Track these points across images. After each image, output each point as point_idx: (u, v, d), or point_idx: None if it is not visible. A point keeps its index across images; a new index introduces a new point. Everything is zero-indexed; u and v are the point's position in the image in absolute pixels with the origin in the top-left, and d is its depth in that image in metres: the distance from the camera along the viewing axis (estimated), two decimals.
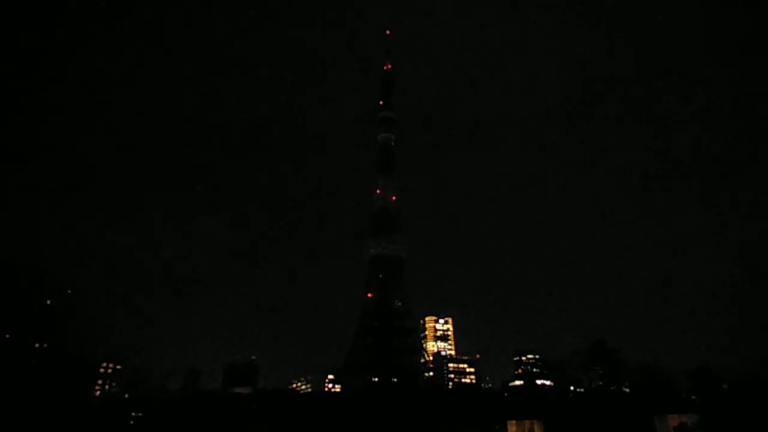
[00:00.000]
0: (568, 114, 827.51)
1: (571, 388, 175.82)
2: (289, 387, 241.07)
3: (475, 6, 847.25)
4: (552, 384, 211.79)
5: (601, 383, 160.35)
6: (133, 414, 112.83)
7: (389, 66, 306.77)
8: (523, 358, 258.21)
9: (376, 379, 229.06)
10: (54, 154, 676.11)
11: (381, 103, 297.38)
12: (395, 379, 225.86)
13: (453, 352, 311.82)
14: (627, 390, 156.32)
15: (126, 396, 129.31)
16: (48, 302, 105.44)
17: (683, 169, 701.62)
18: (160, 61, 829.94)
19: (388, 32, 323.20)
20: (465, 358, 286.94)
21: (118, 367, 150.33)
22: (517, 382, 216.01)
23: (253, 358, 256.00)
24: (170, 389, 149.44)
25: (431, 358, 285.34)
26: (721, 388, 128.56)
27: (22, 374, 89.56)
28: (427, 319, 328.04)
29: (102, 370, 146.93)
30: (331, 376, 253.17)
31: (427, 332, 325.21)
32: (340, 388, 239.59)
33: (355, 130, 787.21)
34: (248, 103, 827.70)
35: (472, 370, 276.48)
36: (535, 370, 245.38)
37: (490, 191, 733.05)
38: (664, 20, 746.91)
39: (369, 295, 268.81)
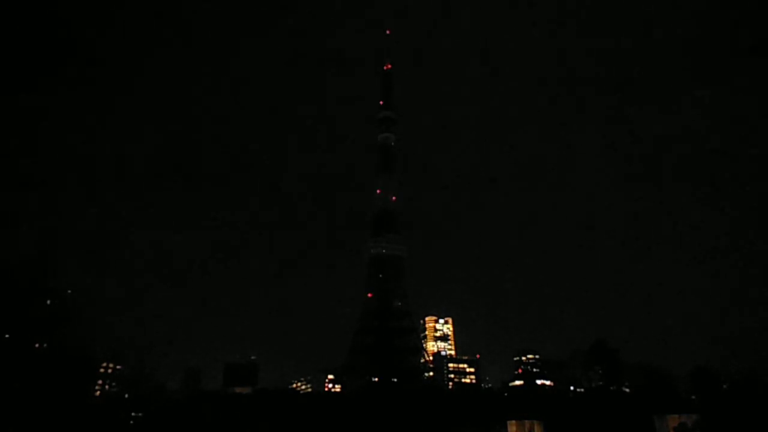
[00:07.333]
0: (570, 113, 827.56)
1: (571, 388, 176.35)
2: (289, 387, 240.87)
3: (477, 4, 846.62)
4: (552, 384, 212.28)
5: (601, 383, 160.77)
6: (133, 414, 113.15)
7: (389, 66, 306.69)
8: (523, 358, 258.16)
9: (376, 379, 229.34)
10: (54, 153, 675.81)
11: (381, 102, 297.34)
12: (395, 379, 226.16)
13: (453, 352, 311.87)
14: (627, 390, 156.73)
15: (126, 396, 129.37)
16: (48, 302, 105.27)
17: (683, 170, 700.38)
18: (158, 57, 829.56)
19: (388, 32, 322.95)
20: (465, 358, 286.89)
21: (118, 367, 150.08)
22: (517, 382, 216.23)
23: (253, 358, 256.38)
24: (170, 389, 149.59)
25: (431, 358, 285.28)
26: (721, 388, 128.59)
27: (22, 374, 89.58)
28: (427, 319, 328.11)
29: (102, 370, 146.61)
30: (331, 376, 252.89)
31: (427, 332, 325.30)
32: (340, 388, 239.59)
33: (356, 130, 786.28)
34: (246, 101, 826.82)
35: (472, 370, 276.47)
36: (535, 370, 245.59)
37: (490, 191, 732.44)
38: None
39: (369, 295, 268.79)
